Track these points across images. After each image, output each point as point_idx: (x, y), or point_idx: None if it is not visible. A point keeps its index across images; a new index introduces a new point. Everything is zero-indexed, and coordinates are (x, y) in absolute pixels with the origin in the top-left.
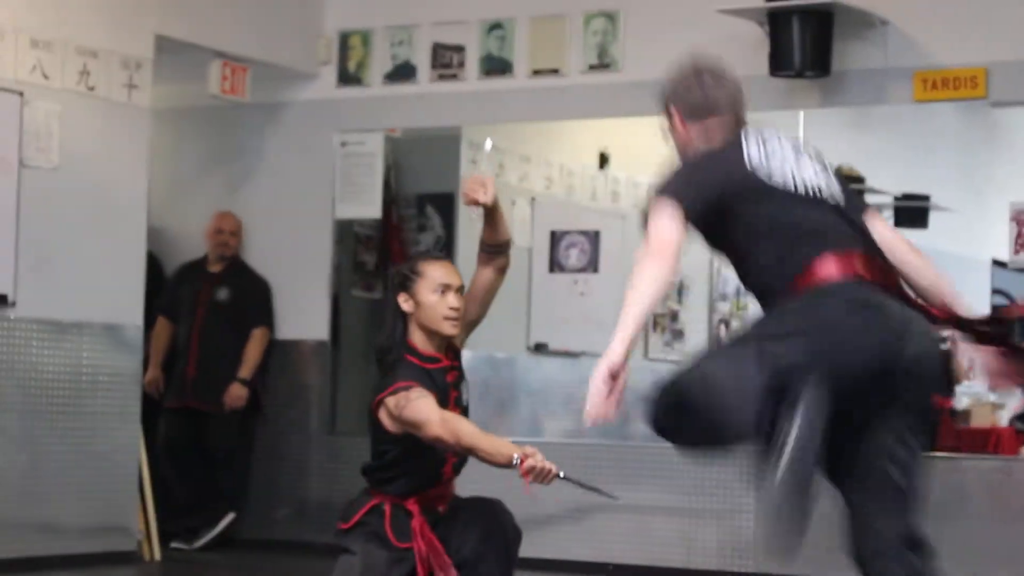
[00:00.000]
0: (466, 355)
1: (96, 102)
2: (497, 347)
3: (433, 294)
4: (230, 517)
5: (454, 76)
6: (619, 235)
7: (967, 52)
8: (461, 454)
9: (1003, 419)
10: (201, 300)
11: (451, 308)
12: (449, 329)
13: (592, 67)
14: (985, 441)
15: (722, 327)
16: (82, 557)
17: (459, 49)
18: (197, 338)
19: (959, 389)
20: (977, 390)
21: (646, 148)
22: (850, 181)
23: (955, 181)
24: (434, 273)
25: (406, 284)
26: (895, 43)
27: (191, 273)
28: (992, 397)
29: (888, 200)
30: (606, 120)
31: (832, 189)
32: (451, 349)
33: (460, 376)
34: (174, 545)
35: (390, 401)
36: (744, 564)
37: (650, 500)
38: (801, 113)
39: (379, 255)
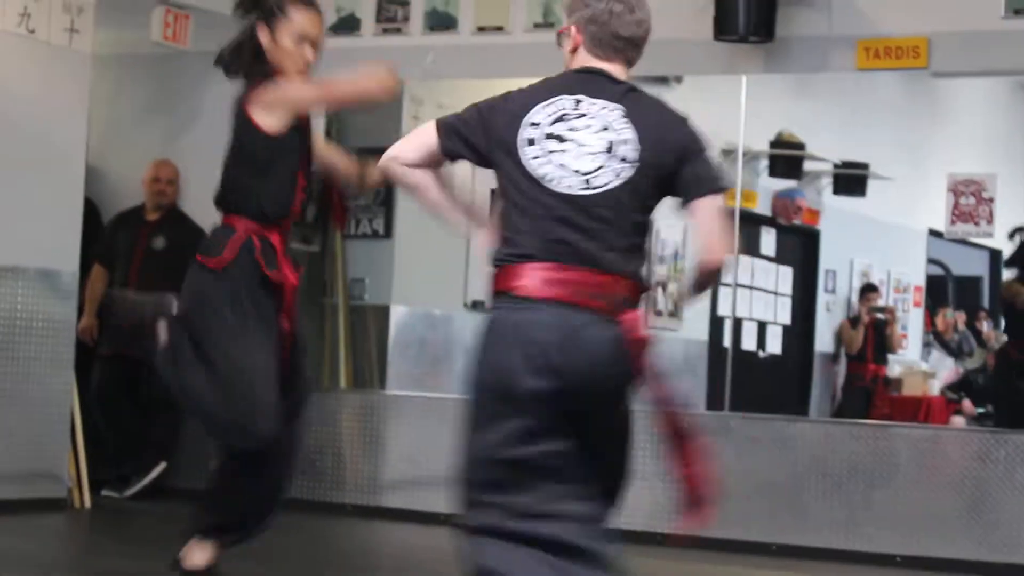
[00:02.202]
0: (402, 311)
1: (37, 45)
2: (434, 304)
3: (292, 41)
4: (161, 466)
5: (398, 30)
6: None
7: (910, 22)
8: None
9: (934, 388)
10: (138, 248)
11: (306, 62)
12: (297, 80)
13: (537, 25)
14: (916, 410)
15: (659, 289)
16: (11, 503)
17: (404, 3)
18: (133, 286)
19: (892, 358)
20: (910, 359)
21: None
22: (790, 147)
23: (894, 151)
24: (300, 19)
25: (269, 17)
26: (839, 11)
27: (128, 221)
28: (924, 366)
29: (827, 167)
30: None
31: (622, 183)
32: None
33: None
34: (105, 493)
35: (265, 92)
36: (671, 526)
37: None
38: (744, 78)
39: (318, 208)
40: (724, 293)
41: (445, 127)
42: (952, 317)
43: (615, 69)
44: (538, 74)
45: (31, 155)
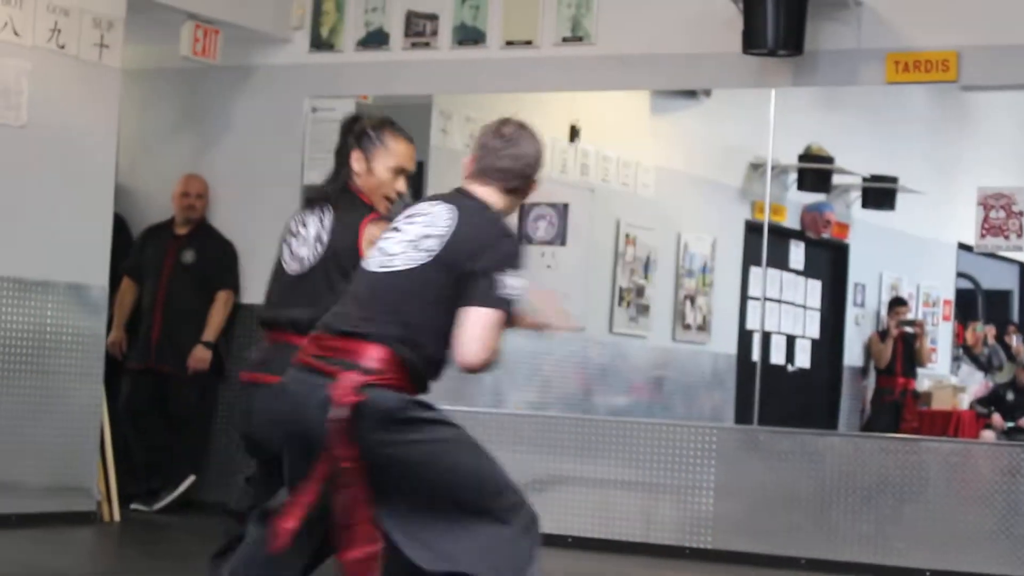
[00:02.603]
0: None
1: (67, 60)
2: None
3: (387, 171)
4: (190, 480)
5: (427, 44)
6: (588, 209)
7: (939, 35)
8: None
9: (964, 402)
10: (167, 262)
11: (397, 192)
12: (382, 209)
13: (565, 39)
14: (946, 424)
15: (687, 303)
16: (41, 517)
17: (433, 18)
18: (162, 300)
19: (921, 372)
20: (939, 373)
21: (616, 122)
22: (819, 161)
23: (923, 164)
24: (398, 150)
25: (364, 144)
26: (868, 24)
27: (157, 235)
28: (954, 380)
29: (856, 181)
30: (577, 93)
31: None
32: None
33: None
34: (134, 507)
35: (374, 225)
36: (703, 540)
37: (611, 474)
38: (773, 91)
39: None
40: (753, 307)
41: None
42: (982, 331)
43: (486, 192)
44: (566, 88)
45: (61, 170)
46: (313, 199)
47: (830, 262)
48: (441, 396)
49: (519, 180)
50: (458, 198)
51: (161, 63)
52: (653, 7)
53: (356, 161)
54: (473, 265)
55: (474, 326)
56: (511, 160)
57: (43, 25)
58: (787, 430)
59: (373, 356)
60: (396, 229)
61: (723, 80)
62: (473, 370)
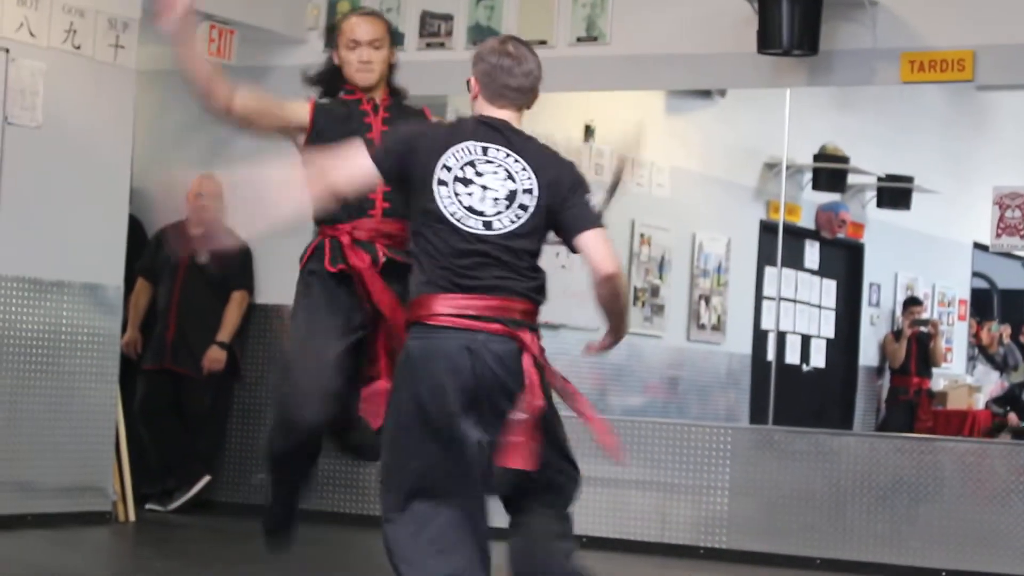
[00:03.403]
0: None
1: (82, 61)
2: None
3: (346, 50)
4: (205, 480)
5: (442, 45)
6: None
7: (955, 35)
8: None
9: (979, 402)
10: (181, 263)
11: (360, 62)
12: (361, 80)
13: (580, 39)
14: (961, 424)
15: (702, 303)
16: (57, 517)
17: (447, 18)
18: (177, 301)
19: (936, 371)
20: (954, 372)
21: (631, 121)
22: (834, 160)
23: (939, 163)
24: (345, 28)
25: (333, 40)
26: (883, 23)
27: (172, 235)
28: (969, 380)
29: (871, 180)
30: (592, 93)
31: (517, 227)
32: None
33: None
34: (149, 507)
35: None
36: (718, 540)
37: (626, 474)
38: (788, 91)
39: None
40: (768, 306)
41: (379, 152)
42: (997, 330)
43: (511, 116)
44: (581, 88)
45: (77, 170)
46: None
47: (845, 262)
48: None
49: (532, 96)
50: (499, 134)
51: (176, 64)
52: (668, 7)
53: (335, 59)
54: (566, 202)
55: (602, 244)
56: (523, 77)
57: (58, 26)
58: (802, 430)
59: (527, 310)
60: (467, 181)
61: (738, 80)
62: (618, 278)
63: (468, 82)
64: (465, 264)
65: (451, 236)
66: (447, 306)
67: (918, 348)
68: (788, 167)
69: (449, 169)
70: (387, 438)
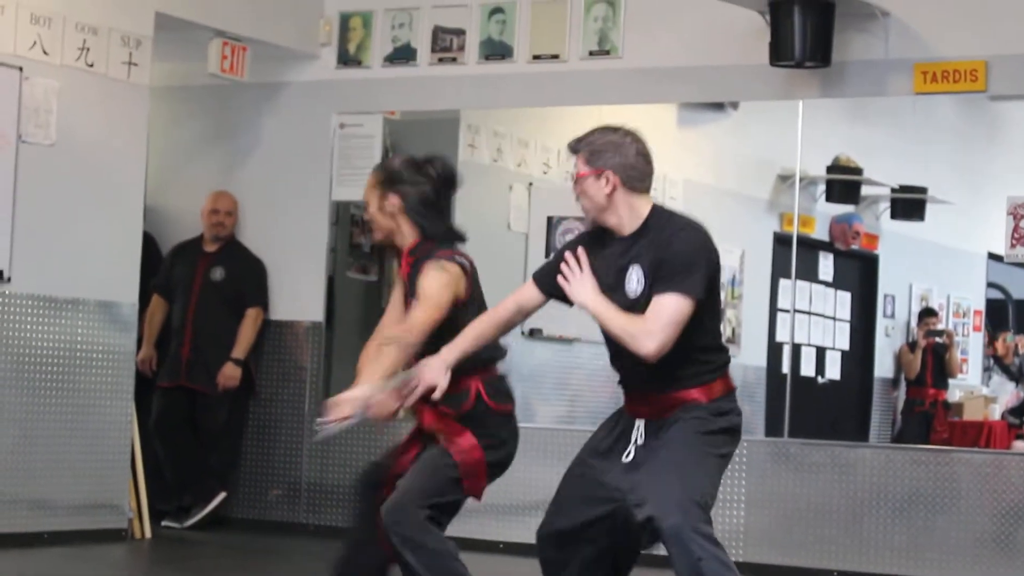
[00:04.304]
0: None
1: (95, 79)
2: None
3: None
4: (221, 496)
5: (454, 60)
6: None
7: (967, 45)
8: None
9: (995, 413)
10: (196, 279)
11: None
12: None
13: (592, 53)
14: (977, 435)
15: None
16: (73, 534)
17: (459, 32)
18: (192, 317)
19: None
20: (970, 384)
21: (644, 135)
22: (847, 172)
23: (953, 174)
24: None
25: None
26: (895, 35)
27: (187, 252)
28: (985, 391)
29: (885, 192)
30: (604, 106)
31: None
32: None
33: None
34: (165, 523)
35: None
36: (735, 552)
37: None
38: (800, 103)
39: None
40: (782, 319)
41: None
42: (1012, 341)
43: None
44: (593, 102)
45: (91, 187)
46: None
47: (859, 273)
48: None
49: None
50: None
51: (189, 81)
52: (680, 20)
53: None
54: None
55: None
56: (648, 164)
57: (72, 44)
58: (818, 442)
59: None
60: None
61: (751, 92)
62: None
63: (585, 177)
64: None
65: None
66: None
67: (933, 359)
68: (801, 179)
69: None
70: None
